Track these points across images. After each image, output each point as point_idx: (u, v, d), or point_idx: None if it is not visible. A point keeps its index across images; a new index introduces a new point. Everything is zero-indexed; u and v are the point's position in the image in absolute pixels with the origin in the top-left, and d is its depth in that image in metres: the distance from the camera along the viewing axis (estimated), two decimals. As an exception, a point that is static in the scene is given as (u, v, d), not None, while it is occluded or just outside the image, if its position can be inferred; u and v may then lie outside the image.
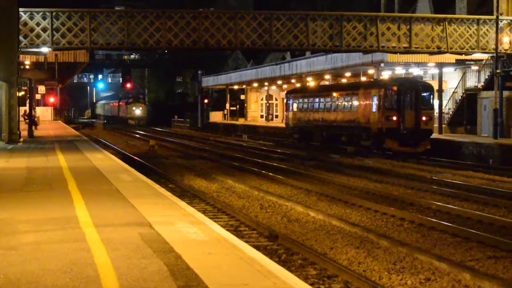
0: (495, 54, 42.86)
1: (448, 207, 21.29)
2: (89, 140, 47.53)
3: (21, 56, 43.04)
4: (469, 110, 49.82)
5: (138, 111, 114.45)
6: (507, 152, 37.34)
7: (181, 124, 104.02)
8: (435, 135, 44.42)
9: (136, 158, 39.24)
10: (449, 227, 17.79)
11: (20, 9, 38.68)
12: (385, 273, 13.38)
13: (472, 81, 51.48)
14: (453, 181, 28.35)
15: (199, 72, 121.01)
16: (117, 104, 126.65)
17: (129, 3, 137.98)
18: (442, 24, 42.57)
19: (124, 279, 8.77)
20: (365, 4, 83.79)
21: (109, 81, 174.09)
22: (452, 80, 56.44)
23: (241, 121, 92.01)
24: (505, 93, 44.76)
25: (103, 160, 28.45)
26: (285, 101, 61.53)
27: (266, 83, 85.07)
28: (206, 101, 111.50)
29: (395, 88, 41.88)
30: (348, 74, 63.77)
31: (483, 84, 48.64)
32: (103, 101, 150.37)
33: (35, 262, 9.76)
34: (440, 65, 51.87)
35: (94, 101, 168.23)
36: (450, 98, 55.21)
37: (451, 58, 49.23)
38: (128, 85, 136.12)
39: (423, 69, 56.55)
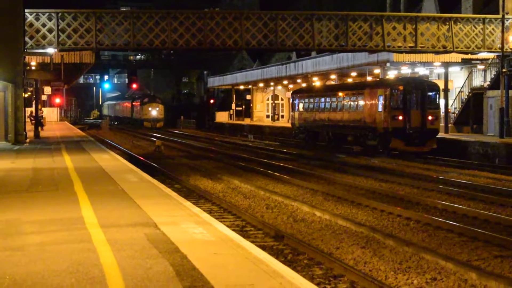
0: (501, 53, 42.80)
1: (454, 207, 21.26)
2: (95, 141, 47.56)
3: (27, 57, 43.07)
4: (475, 110, 49.76)
5: (154, 112, 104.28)
6: (513, 151, 37.26)
7: (187, 124, 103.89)
8: (441, 134, 44.35)
9: (142, 158, 39.28)
10: (455, 226, 17.76)
11: (26, 10, 38.76)
12: (391, 273, 13.36)
13: (478, 80, 51.43)
14: (459, 181, 28.30)
15: (205, 72, 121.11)
16: (129, 104, 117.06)
17: (135, 4, 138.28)
18: (447, 23, 42.52)
19: (129, 280, 8.77)
20: (371, 3, 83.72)
21: (115, 81, 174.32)
22: (458, 79, 56.38)
23: (247, 121, 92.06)
24: (511, 92, 44.68)
25: (109, 160, 28.48)
26: (291, 101, 61.49)
27: (272, 83, 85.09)
28: (212, 101, 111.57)
29: (401, 87, 41.83)
30: (354, 74, 63.75)
31: (489, 83, 48.60)
32: (113, 101, 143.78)
33: (41, 262, 9.77)
34: (446, 65, 51.80)
35: (100, 101, 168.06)
36: (456, 98, 55.15)
37: (457, 57, 49.17)
38: (134, 86, 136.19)
39: (429, 68, 56.49)
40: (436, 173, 32.21)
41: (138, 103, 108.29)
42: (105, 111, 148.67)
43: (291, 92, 66.45)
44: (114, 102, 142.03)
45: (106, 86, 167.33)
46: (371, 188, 26.27)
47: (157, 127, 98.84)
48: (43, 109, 64.43)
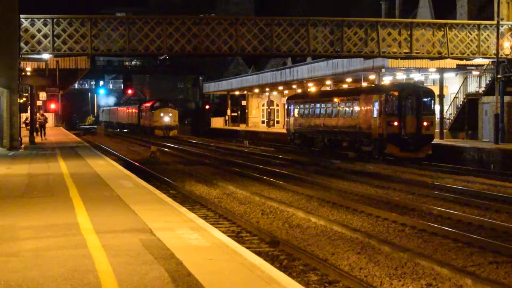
0: (496, 59, 42.87)
1: (449, 213, 21.27)
2: (90, 146, 47.51)
3: (22, 62, 43.04)
4: (470, 115, 49.83)
5: (167, 118, 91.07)
6: (508, 157, 37.32)
7: (182, 130, 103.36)
8: (436, 140, 44.40)
9: (137, 164, 39.24)
10: (451, 232, 17.77)
11: (21, 16, 38.74)
12: (386, 279, 13.36)
13: (473, 86, 51.51)
14: (455, 187, 28.32)
15: (200, 78, 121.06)
16: (136, 109, 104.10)
17: (130, 10, 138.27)
18: (443, 29, 42.60)
19: (125, 286, 8.76)
20: (367, 10, 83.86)
21: (110, 87, 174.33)
22: (453, 85, 56.46)
23: (242, 127, 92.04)
24: (506, 98, 44.76)
25: (105, 166, 28.45)
26: (286, 106, 61.57)
27: (267, 89, 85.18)
28: (207, 107, 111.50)
29: (396, 93, 41.88)
30: (349, 79, 63.83)
31: (484, 89, 48.66)
32: (115, 106, 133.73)
33: (36, 268, 9.75)
34: (441, 71, 51.88)
35: (96, 107, 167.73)
36: (451, 103, 55.22)
37: (452, 63, 49.25)
38: (130, 91, 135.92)
39: (424, 74, 56.58)
40: (431, 179, 32.22)
41: (148, 108, 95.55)
42: (105, 117, 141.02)
43: (287, 97, 66.52)
44: (115, 107, 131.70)
45: (102, 91, 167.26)
46: (366, 194, 26.28)
47: (170, 136, 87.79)
48: (45, 114, 63.76)
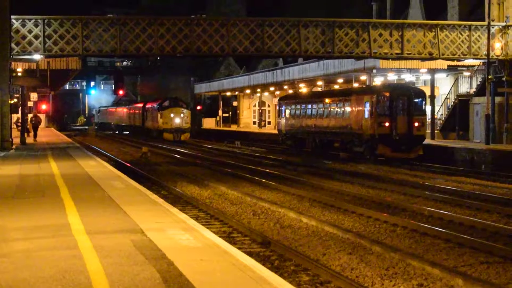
0: (487, 60, 42.98)
1: (440, 213, 21.30)
2: (81, 147, 47.42)
3: (13, 63, 42.96)
4: (461, 116, 49.95)
5: (178, 119, 78.52)
6: (499, 158, 37.42)
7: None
8: (427, 140, 44.46)
9: (128, 165, 39.19)
10: (442, 232, 17.79)
11: (12, 17, 38.67)
12: (378, 279, 13.37)
13: (464, 87, 51.65)
14: (446, 187, 28.37)
15: (192, 79, 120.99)
16: (139, 110, 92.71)
17: (121, 10, 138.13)
18: (434, 30, 42.68)
19: (116, 286, 8.75)
20: (358, 11, 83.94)
21: (102, 88, 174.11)
22: (444, 86, 56.59)
23: (233, 127, 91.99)
24: (497, 99, 44.89)
25: (96, 167, 28.41)
26: (277, 107, 61.58)
27: (258, 90, 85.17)
28: (199, 108, 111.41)
29: (387, 94, 41.93)
30: (340, 80, 63.87)
31: (475, 90, 48.81)
32: (113, 106, 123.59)
33: (27, 269, 9.73)
34: (432, 71, 51.98)
35: (87, 108, 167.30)
36: (442, 104, 55.34)
37: (443, 64, 49.35)
38: (121, 92, 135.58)
39: (415, 75, 56.68)
40: (422, 179, 32.28)
41: (154, 107, 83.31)
42: (101, 118, 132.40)
43: (278, 98, 66.52)
44: (114, 107, 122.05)
45: (93, 92, 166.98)
46: (358, 194, 26.29)
47: (181, 140, 76.64)
48: (38, 115, 63.39)
